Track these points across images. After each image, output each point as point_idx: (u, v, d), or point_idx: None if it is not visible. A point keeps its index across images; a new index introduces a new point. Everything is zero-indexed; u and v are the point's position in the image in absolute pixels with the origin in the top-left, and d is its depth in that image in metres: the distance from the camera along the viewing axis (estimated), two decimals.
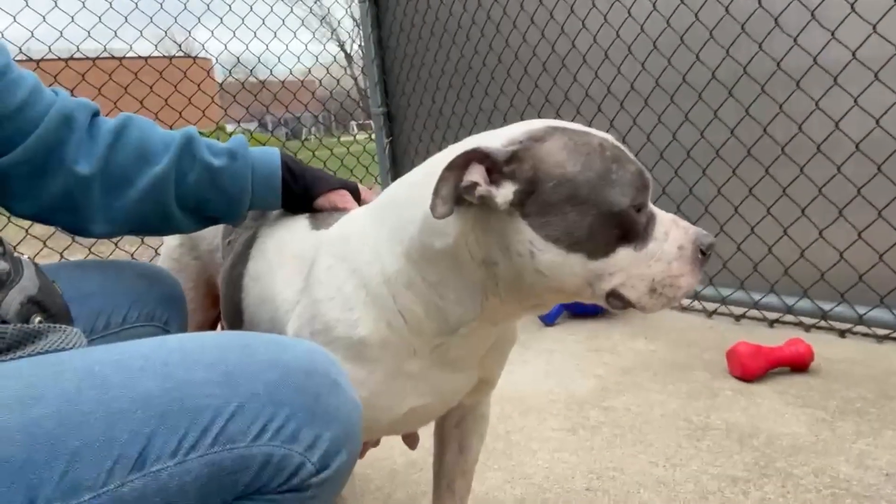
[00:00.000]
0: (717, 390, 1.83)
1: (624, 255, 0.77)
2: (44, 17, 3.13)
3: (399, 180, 0.95)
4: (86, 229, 1.01)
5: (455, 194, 0.75)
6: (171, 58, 4.14)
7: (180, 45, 4.05)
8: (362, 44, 3.89)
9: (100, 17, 3.29)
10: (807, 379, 1.86)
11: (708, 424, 1.65)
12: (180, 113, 3.44)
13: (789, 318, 2.28)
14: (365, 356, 0.88)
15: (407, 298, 0.86)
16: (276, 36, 3.89)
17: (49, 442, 0.52)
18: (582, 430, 1.68)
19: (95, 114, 1.02)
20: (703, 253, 0.79)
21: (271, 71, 4.01)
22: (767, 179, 2.25)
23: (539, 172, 0.75)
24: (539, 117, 2.85)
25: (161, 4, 3.60)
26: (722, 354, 1.98)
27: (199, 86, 3.66)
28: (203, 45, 4.93)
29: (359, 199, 1.14)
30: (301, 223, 1.07)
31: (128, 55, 3.76)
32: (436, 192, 0.74)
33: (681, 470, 1.46)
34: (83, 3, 3.22)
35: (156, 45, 3.51)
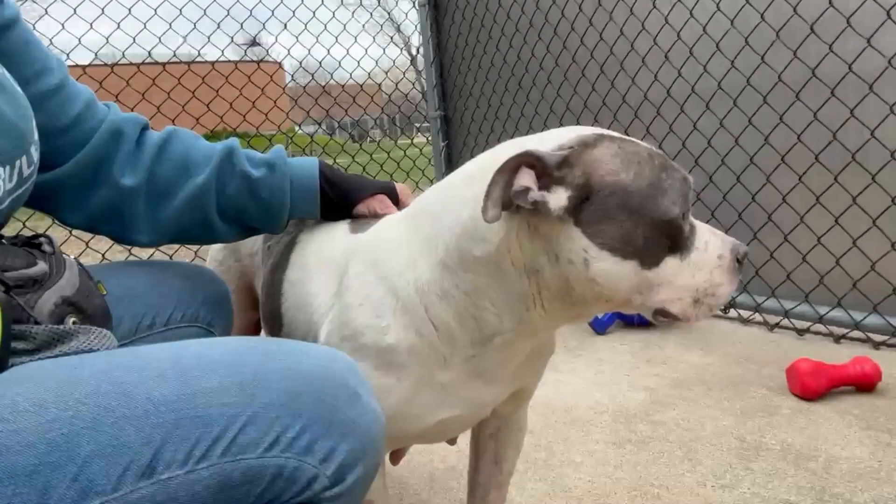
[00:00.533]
0: (774, 408, 1.75)
1: (672, 264, 0.77)
2: (118, 25, 3.26)
3: (435, 186, 0.94)
4: (131, 239, 1.05)
5: (505, 198, 0.73)
6: (236, 62, 4.27)
7: (245, 51, 4.12)
8: (420, 48, 3.91)
9: (170, 24, 3.42)
10: (872, 399, 1.75)
11: (762, 444, 1.58)
12: (243, 116, 3.54)
13: (857, 334, 2.16)
14: (394, 364, 0.86)
15: (440, 308, 0.84)
16: (336, 41, 3.95)
17: (62, 445, 0.53)
18: (628, 444, 1.63)
19: (145, 127, 1.06)
20: (739, 262, 0.81)
21: (331, 75, 4.07)
22: (836, 187, 2.13)
23: (592, 179, 0.74)
24: (596, 122, 2.83)
25: (228, 11, 3.70)
26: (782, 370, 1.89)
27: (262, 90, 3.76)
28: (268, 51, 5.03)
29: (397, 202, 1.14)
30: (341, 227, 1.07)
31: (196, 59, 3.90)
32: (487, 195, 0.72)
33: (730, 492, 1.40)
34: (155, 10, 3.35)
35: (222, 51, 3.59)
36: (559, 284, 0.78)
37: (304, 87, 4.13)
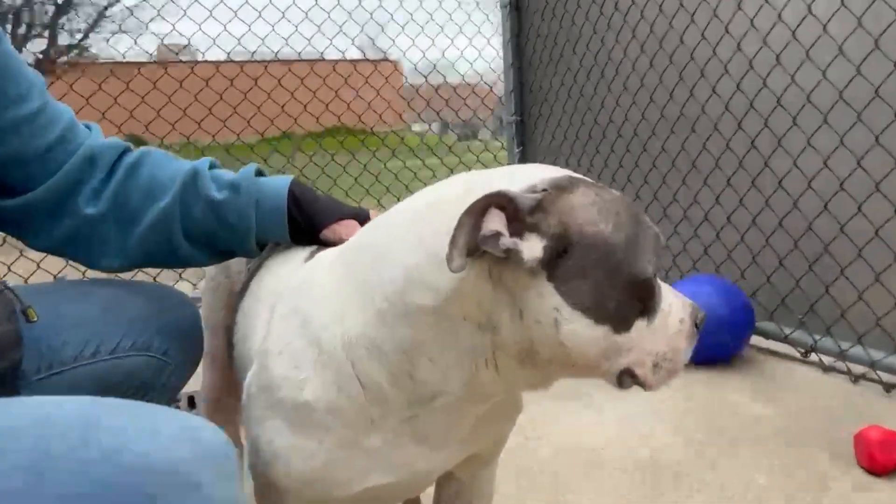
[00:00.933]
0: (832, 480, 1.48)
1: (639, 327, 0.70)
2: (249, 27, 3.49)
3: (374, 223, 0.82)
4: (97, 263, 1.03)
5: (471, 244, 0.63)
6: (354, 62, 4.39)
7: (364, 52, 4.23)
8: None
9: (296, 27, 3.56)
10: None
11: None
12: (358, 117, 3.68)
13: None
14: (313, 423, 0.75)
15: (368, 366, 0.73)
16: (452, 43, 3.94)
17: None
18: (647, 500, 1.43)
19: (125, 151, 1.03)
20: (697, 327, 0.75)
21: (444, 77, 4.06)
22: None
23: (570, 230, 0.66)
24: (673, 132, 2.58)
25: (349, 14, 3.79)
26: (859, 430, 1.61)
27: (377, 91, 3.83)
28: (385, 53, 5.10)
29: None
30: (299, 256, 0.96)
31: (318, 59, 4.11)
32: (453, 242, 0.62)
33: None
34: (283, 13, 3.50)
35: (343, 53, 3.70)
36: (520, 345, 0.68)
37: (417, 89, 4.17)
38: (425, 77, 4.23)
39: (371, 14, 3.86)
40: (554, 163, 3.28)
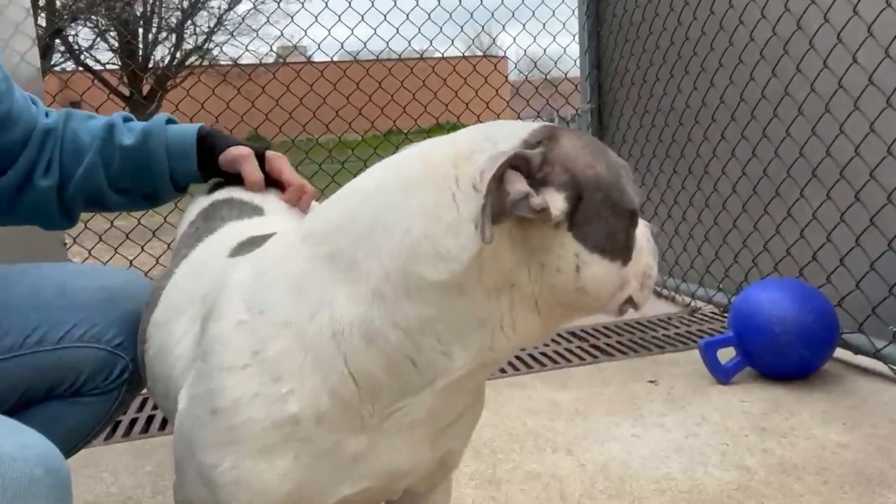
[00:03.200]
0: None
1: (634, 255, 0.72)
2: (352, 31, 3.58)
3: (343, 195, 0.73)
4: (50, 225, 1.14)
5: (498, 210, 0.62)
6: (463, 55, 4.39)
7: (466, 49, 4.28)
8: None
9: (407, 15, 3.61)
10: None
11: None
12: (466, 104, 3.72)
13: None
14: (292, 438, 0.67)
15: (365, 356, 0.66)
16: (554, 39, 3.82)
17: None
18: None
19: (67, 118, 1.12)
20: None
21: (555, 63, 3.95)
22: None
23: (575, 176, 0.65)
24: (753, 118, 2.31)
25: (450, 14, 3.79)
26: None
27: (487, 80, 3.89)
28: (487, 49, 5.07)
29: (263, 165, 1.09)
30: (223, 246, 0.87)
31: (424, 54, 4.19)
32: (484, 211, 0.60)
33: None
34: (395, 2, 3.54)
35: (452, 41, 3.74)
36: (541, 297, 0.67)
37: (526, 77, 4.13)
38: (524, 74, 4.16)
39: (471, 14, 3.92)
40: (628, 150, 3.10)
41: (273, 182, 1.09)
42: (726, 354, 2.00)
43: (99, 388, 1.02)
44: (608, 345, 2.42)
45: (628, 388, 2.02)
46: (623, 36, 3.13)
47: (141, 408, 2.07)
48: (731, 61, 2.44)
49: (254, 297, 0.70)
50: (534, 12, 3.85)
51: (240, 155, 1.07)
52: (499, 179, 0.61)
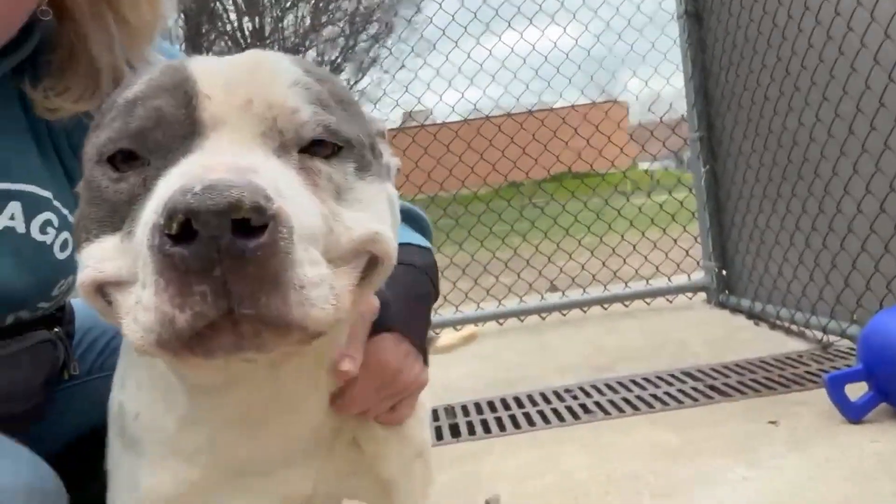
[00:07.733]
0: None
1: None
2: (484, 91, 3.94)
3: None
4: None
5: None
6: (583, 106, 4.52)
7: (592, 95, 4.47)
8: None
9: (528, 85, 3.91)
10: None
11: None
12: (578, 155, 3.84)
13: None
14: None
15: (140, 401, 0.72)
16: (668, 82, 3.86)
17: None
18: None
19: None
20: None
21: (671, 105, 3.99)
22: None
23: None
24: (872, 127, 2.11)
25: (578, 66, 4.03)
26: None
27: (598, 125, 3.96)
28: (609, 93, 5.18)
29: None
30: None
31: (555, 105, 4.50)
32: None
33: None
34: (524, 59, 3.90)
35: (570, 100, 3.94)
36: None
37: (635, 128, 4.23)
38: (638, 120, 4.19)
39: (601, 63, 4.11)
40: (746, 178, 2.91)
41: None
42: (858, 390, 1.78)
43: None
44: (726, 384, 2.23)
45: (744, 428, 1.84)
46: (727, 59, 3.00)
47: None
48: (842, 71, 2.26)
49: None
50: (644, 57, 3.83)
51: None
52: None
